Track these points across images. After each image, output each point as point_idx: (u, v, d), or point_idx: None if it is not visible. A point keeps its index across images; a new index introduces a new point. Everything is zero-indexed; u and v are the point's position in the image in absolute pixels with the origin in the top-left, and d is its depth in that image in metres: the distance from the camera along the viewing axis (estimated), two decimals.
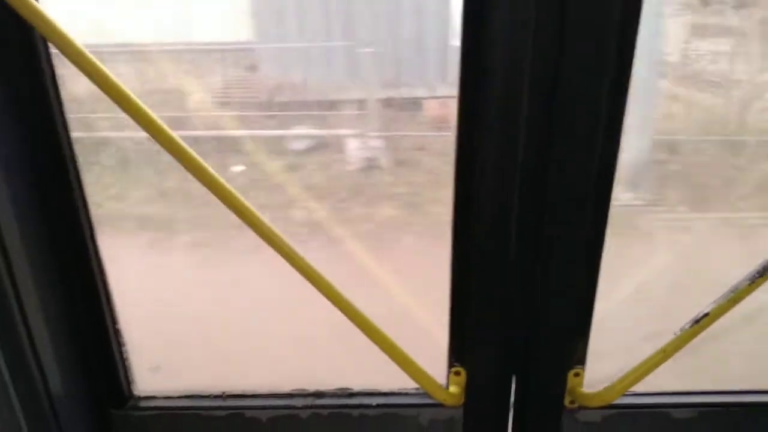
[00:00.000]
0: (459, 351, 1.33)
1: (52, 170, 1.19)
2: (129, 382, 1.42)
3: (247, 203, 1.14)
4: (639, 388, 1.35)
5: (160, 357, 1.52)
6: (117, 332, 1.36)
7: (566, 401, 1.36)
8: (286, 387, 1.45)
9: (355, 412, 1.40)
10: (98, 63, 1.00)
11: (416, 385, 1.39)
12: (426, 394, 1.39)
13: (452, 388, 1.35)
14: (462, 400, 1.36)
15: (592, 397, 1.35)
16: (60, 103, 1.15)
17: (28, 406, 1.25)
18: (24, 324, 1.17)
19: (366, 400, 1.41)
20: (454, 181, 1.18)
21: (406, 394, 1.42)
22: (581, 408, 1.38)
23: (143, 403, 1.43)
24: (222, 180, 1.10)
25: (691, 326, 1.29)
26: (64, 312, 1.28)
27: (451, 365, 1.35)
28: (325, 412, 1.40)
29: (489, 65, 1.06)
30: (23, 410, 1.25)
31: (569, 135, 1.10)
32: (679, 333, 1.30)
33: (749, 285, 1.25)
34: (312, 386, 1.44)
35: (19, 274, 1.14)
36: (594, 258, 1.23)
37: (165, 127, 1.05)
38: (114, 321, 1.35)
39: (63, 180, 1.20)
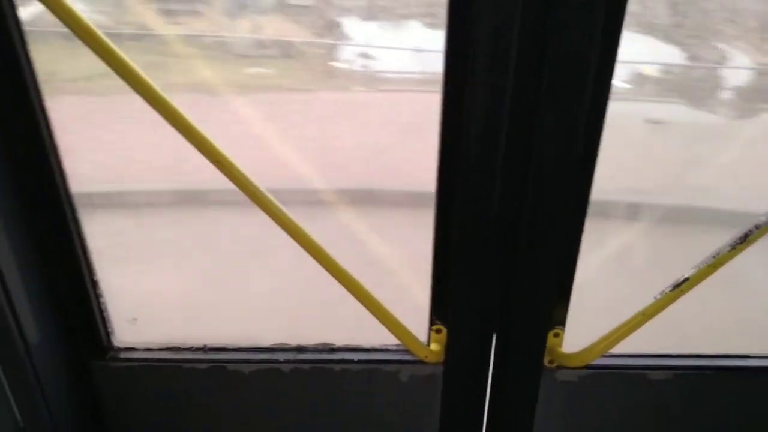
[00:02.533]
0: (440, 309, 1.33)
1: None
2: (108, 333, 1.41)
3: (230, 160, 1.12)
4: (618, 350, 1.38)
5: (138, 309, 1.50)
6: (95, 283, 1.34)
7: (545, 361, 1.38)
8: (267, 341, 1.45)
9: (337, 367, 1.41)
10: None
11: (397, 342, 1.40)
12: (407, 351, 1.40)
13: (433, 346, 1.36)
14: (442, 358, 1.37)
15: (570, 357, 1.37)
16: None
17: (5, 358, 1.24)
18: (0, 280, 1.15)
19: (347, 356, 1.42)
20: (439, 144, 1.16)
21: (387, 350, 1.43)
22: (560, 368, 1.40)
23: (123, 354, 1.42)
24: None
25: (672, 290, 1.30)
26: (40, 263, 1.26)
27: (432, 323, 1.35)
28: (306, 366, 1.41)
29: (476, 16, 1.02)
30: (1, 363, 1.24)
31: (557, 92, 1.08)
32: (659, 297, 1.31)
33: (730, 251, 1.26)
34: (293, 341, 1.45)
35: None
36: (578, 219, 1.22)
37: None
38: (91, 272, 1.33)
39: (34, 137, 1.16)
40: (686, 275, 1.30)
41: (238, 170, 1.14)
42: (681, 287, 1.29)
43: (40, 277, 1.26)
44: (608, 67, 1.08)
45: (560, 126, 1.11)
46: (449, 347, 1.36)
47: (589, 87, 1.07)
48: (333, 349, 1.43)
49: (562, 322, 1.35)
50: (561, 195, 1.17)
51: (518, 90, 1.08)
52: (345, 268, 1.25)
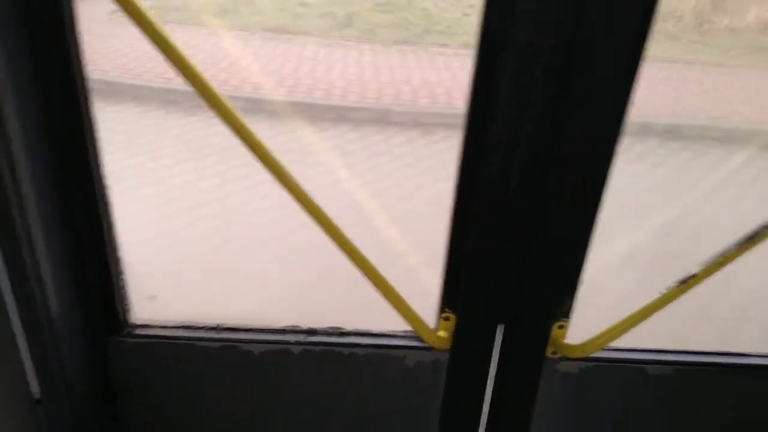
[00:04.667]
0: (451, 297, 1.37)
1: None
2: (126, 309, 1.45)
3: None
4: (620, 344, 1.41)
5: (158, 287, 1.54)
6: (117, 260, 1.38)
7: (549, 351, 1.42)
8: (279, 322, 1.49)
9: (346, 351, 1.45)
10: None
11: (405, 329, 1.44)
12: (414, 338, 1.44)
13: (441, 333, 1.40)
14: (449, 345, 1.41)
15: (573, 349, 1.41)
16: None
17: (29, 330, 1.28)
18: (30, 251, 1.19)
19: (356, 340, 1.46)
20: (464, 132, 1.19)
21: (395, 336, 1.47)
22: (562, 359, 1.44)
23: (139, 331, 1.46)
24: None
25: (677, 286, 1.34)
26: (67, 239, 1.30)
27: (441, 310, 1.39)
28: (316, 348, 1.45)
29: None
30: (25, 333, 1.29)
31: (586, 81, 1.10)
32: (664, 292, 1.35)
33: (737, 250, 1.29)
34: (305, 323, 1.49)
35: (27, 204, 1.15)
36: (591, 214, 1.25)
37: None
38: (114, 249, 1.37)
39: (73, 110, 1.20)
40: (693, 272, 1.33)
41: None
42: (687, 283, 1.33)
43: (65, 252, 1.30)
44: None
45: (587, 119, 1.14)
46: (456, 335, 1.40)
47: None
48: (342, 333, 1.47)
49: (567, 315, 1.38)
50: (578, 188, 1.20)
51: (548, 80, 1.11)
52: (360, 250, 1.28)
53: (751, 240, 1.28)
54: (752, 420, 1.56)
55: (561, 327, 1.39)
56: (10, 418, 1.39)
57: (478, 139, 1.19)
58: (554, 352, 1.42)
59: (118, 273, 1.40)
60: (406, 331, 1.46)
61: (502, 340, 1.43)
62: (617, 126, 1.15)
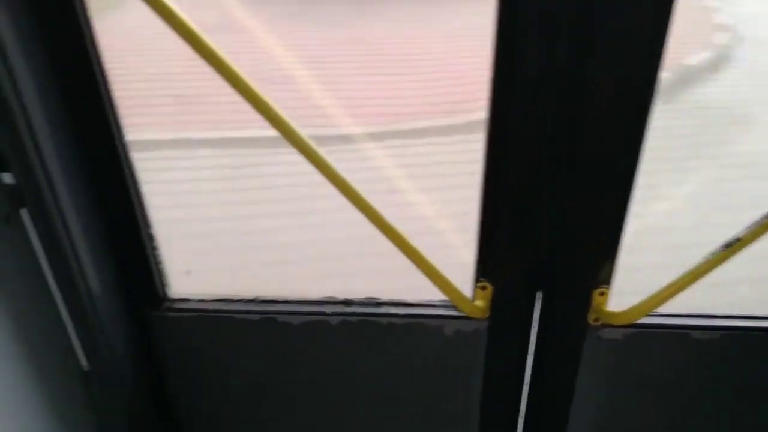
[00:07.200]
0: (486, 265, 1.35)
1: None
2: (164, 284, 1.47)
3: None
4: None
5: (192, 262, 1.56)
6: (151, 237, 1.40)
7: (590, 319, 1.39)
8: (315, 294, 1.49)
9: (384, 321, 1.44)
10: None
11: (442, 298, 1.42)
12: (451, 307, 1.42)
13: (478, 302, 1.38)
14: (487, 314, 1.39)
15: (616, 316, 1.37)
16: None
17: (71, 304, 1.31)
18: (65, 231, 1.21)
19: (393, 310, 1.45)
20: (489, 99, 1.15)
21: (432, 306, 1.46)
22: (604, 326, 1.40)
23: (178, 305, 1.48)
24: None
25: (722, 250, 1.28)
26: (100, 218, 1.32)
27: (477, 279, 1.37)
28: (354, 319, 1.45)
29: None
30: (68, 310, 1.32)
31: (612, 40, 1.05)
32: (709, 257, 1.30)
33: None
34: (340, 295, 1.49)
35: (58, 186, 1.16)
36: (628, 177, 1.21)
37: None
38: (148, 226, 1.38)
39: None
40: (738, 235, 1.27)
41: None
42: (732, 247, 1.27)
43: (100, 230, 1.32)
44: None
45: (614, 79, 1.08)
46: (494, 304, 1.38)
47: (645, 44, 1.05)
48: (379, 303, 1.47)
49: (607, 281, 1.35)
50: (614, 146, 1.15)
51: (572, 41, 1.06)
52: (392, 222, 1.27)
53: None
54: None
55: (602, 294, 1.36)
56: (62, 387, 1.44)
57: (509, 95, 1.14)
58: (596, 319, 1.39)
59: (153, 249, 1.41)
60: (443, 301, 1.44)
61: (542, 308, 1.40)
62: (652, 76, 1.09)
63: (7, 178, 1.19)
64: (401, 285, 1.46)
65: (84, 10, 1.11)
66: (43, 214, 1.18)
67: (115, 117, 1.23)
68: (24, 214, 1.26)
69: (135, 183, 1.32)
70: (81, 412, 1.51)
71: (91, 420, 1.54)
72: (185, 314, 1.48)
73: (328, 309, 1.46)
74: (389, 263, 1.35)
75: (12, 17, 1.03)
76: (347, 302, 1.47)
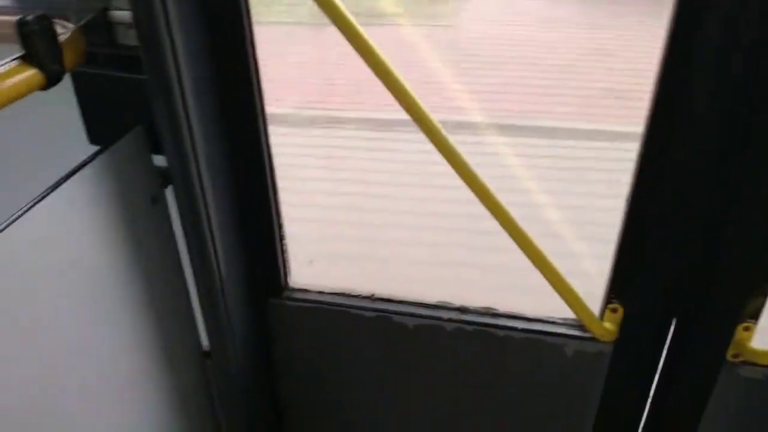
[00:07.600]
0: (620, 286, 1.28)
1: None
2: (286, 273, 1.50)
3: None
4: None
5: (315, 252, 1.58)
6: (280, 226, 1.43)
7: (729, 354, 1.28)
8: (430, 297, 1.47)
9: (501, 333, 1.40)
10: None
11: (564, 316, 1.37)
12: (575, 326, 1.36)
13: (607, 324, 1.31)
14: (615, 337, 1.32)
15: (761, 355, 1.26)
16: None
17: (202, 289, 1.37)
18: (206, 213, 1.25)
19: (510, 323, 1.41)
20: (650, 108, 1.08)
21: (552, 323, 1.40)
22: (745, 363, 1.29)
23: (297, 295, 1.51)
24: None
25: None
26: (235, 208, 1.36)
27: (608, 300, 1.30)
28: (469, 327, 1.42)
29: None
30: (197, 291, 1.37)
31: None
32: None
33: None
34: (456, 300, 1.46)
35: (203, 173, 1.21)
36: None
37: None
38: (279, 216, 1.41)
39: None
40: None
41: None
42: None
43: (234, 216, 1.36)
44: None
45: None
46: (623, 327, 1.31)
47: None
48: (496, 315, 1.43)
49: (756, 316, 1.24)
50: None
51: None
52: (527, 234, 1.22)
53: None
54: None
55: (747, 329, 1.25)
56: (184, 368, 1.50)
57: (666, 117, 1.07)
58: (736, 355, 1.29)
59: (281, 238, 1.44)
60: (565, 319, 1.38)
61: (674, 337, 1.31)
62: None
63: (159, 160, 1.25)
64: (516, 299, 1.40)
65: (246, 4, 1.14)
66: (188, 196, 1.22)
67: (261, 103, 1.26)
68: (168, 194, 1.32)
69: (272, 169, 1.35)
70: (198, 389, 1.58)
71: (206, 395, 1.61)
72: (303, 304, 1.50)
73: (444, 314, 1.43)
74: (504, 274, 1.31)
75: (183, 18, 1.08)
76: (463, 309, 1.44)
